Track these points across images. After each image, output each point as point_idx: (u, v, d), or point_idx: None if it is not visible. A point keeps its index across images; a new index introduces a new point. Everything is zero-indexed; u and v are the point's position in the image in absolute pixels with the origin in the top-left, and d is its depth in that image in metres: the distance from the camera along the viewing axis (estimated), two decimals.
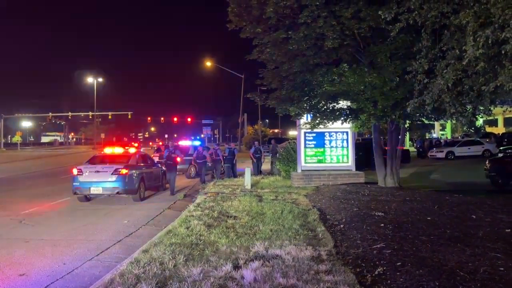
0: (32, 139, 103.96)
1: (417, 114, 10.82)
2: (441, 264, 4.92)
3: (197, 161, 17.92)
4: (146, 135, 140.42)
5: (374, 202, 9.38)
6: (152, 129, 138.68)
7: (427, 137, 42.72)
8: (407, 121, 11.96)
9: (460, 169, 20.68)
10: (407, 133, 29.77)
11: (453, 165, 22.91)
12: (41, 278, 5.51)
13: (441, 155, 27.84)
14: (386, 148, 13.06)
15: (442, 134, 50.48)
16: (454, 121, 12.99)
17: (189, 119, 72.09)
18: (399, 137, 12.86)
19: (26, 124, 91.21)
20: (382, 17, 7.91)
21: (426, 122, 14.36)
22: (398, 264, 4.96)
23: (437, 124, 47.03)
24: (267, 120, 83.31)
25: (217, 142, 67.56)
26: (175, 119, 71.31)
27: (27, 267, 6.00)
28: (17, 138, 70.79)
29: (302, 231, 6.90)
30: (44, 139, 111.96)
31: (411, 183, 14.01)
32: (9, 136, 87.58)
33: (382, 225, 7.02)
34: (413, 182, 14.30)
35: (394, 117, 10.70)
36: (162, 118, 74.71)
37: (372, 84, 10.32)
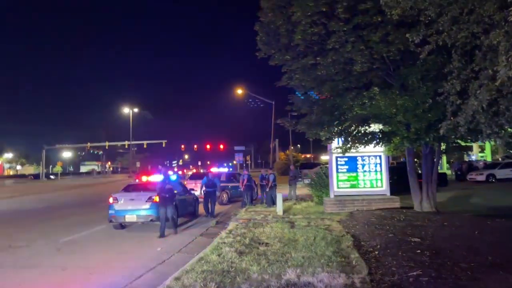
0: (72, 169, 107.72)
1: (452, 136, 10.52)
2: None
3: (247, 184, 17.60)
4: (180, 163, 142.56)
5: (410, 227, 9.10)
6: (186, 156, 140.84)
7: (465, 160, 41.26)
8: (442, 143, 11.65)
9: (502, 192, 19.76)
10: (444, 155, 28.91)
11: (494, 189, 21.94)
12: None
13: (481, 178, 26.76)
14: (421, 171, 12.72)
15: (482, 156, 48.59)
16: (493, 143, 12.56)
17: (221, 146, 72.84)
18: (435, 160, 12.51)
19: (66, 154, 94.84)
20: (411, 39, 7.86)
21: (463, 144, 13.93)
22: None
23: (475, 146, 45.42)
24: (298, 145, 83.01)
25: (249, 169, 67.66)
26: (208, 146, 72.22)
27: None
28: (58, 168, 73.54)
29: (335, 258, 6.76)
30: (83, 169, 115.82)
31: (449, 207, 13.50)
32: (50, 166, 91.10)
33: (419, 251, 6.78)
34: (451, 207, 13.76)
35: (428, 139, 10.46)
36: (195, 146, 75.84)
37: (404, 107, 10.17)
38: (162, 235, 10.89)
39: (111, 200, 12.16)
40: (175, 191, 12.25)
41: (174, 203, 11.75)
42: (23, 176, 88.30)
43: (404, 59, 10.50)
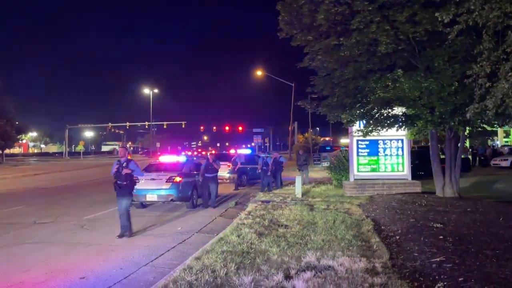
0: (94, 148, 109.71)
1: (478, 120, 10.23)
2: (507, 280, 4.58)
3: (263, 168, 16.55)
4: (199, 144, 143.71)
5: (432, 212, 8.95)
6: (205, 138, 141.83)
7: (489, 145, 40.29)
8: (467, 128, 11.35)
9: None
10: (467, 140, 28.27)
11: None
12: (100, 282, 5.73)
13: (506, 163, 26.09)
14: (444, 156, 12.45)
15: (506, 141, 47.35)
16: None
17: (240, 128, 72.87)
18: (459, 144, 12.22)
19: (88, 134, 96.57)
20: (440, 19, 7.58)
21: (489, 128, 13.55)
22: (460, 279, 4.67)
23: (500, 131, 44.25)
24: (317, 128, 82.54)
25: (268, 151, 67.69)
26: (227, 128, 72.34)
27: (87, 271, 6.26)
28: (80, 147, 75.07)
29: (355, 242, 6.71)
30: (104, 148, 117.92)
31: (472, 193, 13.22)
32: (73, 145, 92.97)
33: (441, 237, 6.67)
34: (475, 192, 13.47)
35: (452, 123, 10.20)
36: (214, 127, 76.21)
37: (429, 90, 9.90)
38: (207, 206, 12.46)
39: None
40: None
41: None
42: (47, 154, 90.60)
43: (431, 40, 10.17)
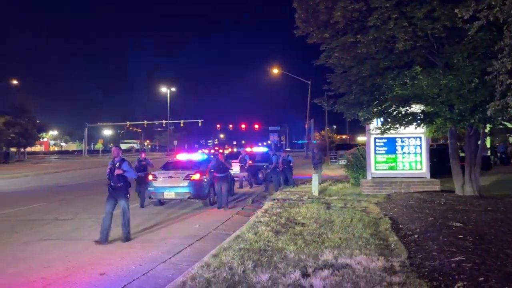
0: (112, 146, 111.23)
1: (499, 118, 10.03)
2: None
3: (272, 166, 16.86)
4: (216, 142, 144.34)
5: (452, 211, 8.83)
6: (221, 136, 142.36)
7: (510, 142, 39.41)
8: (488, 125, 11.14)
9: None
10: (488, 138, 27.69)
11: None
12: (119, 278, 5.83)
13: None
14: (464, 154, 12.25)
15: None
16: None
17: (256, 126, 72.98)
18: (479, 142, 12.00)
19: (107, 132, 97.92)
20: (459, 15, 7.45)
21: (510, 126, 13.26)
22: (480, 279, 4.60)
23: None
24: (334, 126, 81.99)
25: (284, 149, 67.60)
26: (243, 126, 72.55)
27: (107, 266, 6.38)
28: (99, 145, 76.21)
29: (373, 240, 6.66)
30: (123, 146, 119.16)
31: (492, 191, 12.96)
32: (92, 143, 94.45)
33: (461, 236, 6.57)
34: (495, 191, 13.20)
35: (473, 121, 10.02)
36: (230, 125, 76.52)
37: (448, 87, 9.75)
38: (220, 207, 12.00)
39: (150, 177, 12.50)
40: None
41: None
42: (67, 152, 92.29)
43: (450, 36, 10.01)
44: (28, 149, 58.91)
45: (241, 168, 18.75)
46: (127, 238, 8.15)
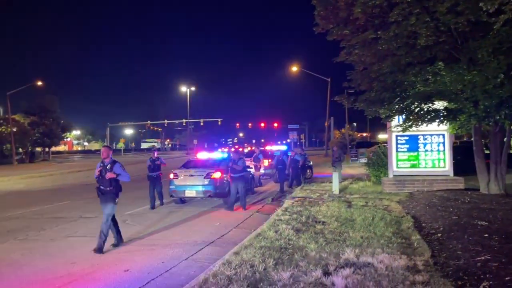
0: (133, 146, 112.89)
1: None
2: None
3: (278, 166, 16.63)
4: (235, 140, 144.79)
5: (476, 210, 8.64)
6: (241, 134, 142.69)
7: None
8: None
9: None
10: None
11: None
12: (143, 274, 5.92)
13: None
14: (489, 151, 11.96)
15: None
16: None
17: (275, 124, 72.89)
18: (505, 139, 11.70)
19: (128, 132, 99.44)
20: (484, 9, 7.29)
21: None
22: (506, 279, 4.50)
23: None
24: (354, 124, 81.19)
25: (302, 147, 67.31)
26: (262, 124, 72.52)
27: (130, 263, 6.49)
28: (121, 145, 77.46)
29: (395, 239, 6.59)
30: (144, 146, 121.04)
31: None
32: (114, 143, 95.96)
33: (486, 235, 6.44)
34: None
35: (498, 117, 9.77)
36: (249, 124, 76.55)
37: (472, 82, 9.53)
38: (230, 208, 11.54)
39: (171, 176, 12.65)
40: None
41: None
42: (89, 151, 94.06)
43: (474, 31, 9.78)
44: (53, 148, 60.39)
45: (255, 167, 18.73)
46: (100, 248, 7.23)
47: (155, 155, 12.92)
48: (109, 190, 7.42)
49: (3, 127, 42.57)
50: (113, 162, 7.49)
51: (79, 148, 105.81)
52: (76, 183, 21.34)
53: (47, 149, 56.33)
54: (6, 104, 45.25)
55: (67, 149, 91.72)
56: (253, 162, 18.54)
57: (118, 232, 7.80)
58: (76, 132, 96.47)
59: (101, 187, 7.46)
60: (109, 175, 7.33)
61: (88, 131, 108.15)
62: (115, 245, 7.64)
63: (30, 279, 5.91)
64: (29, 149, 49.86)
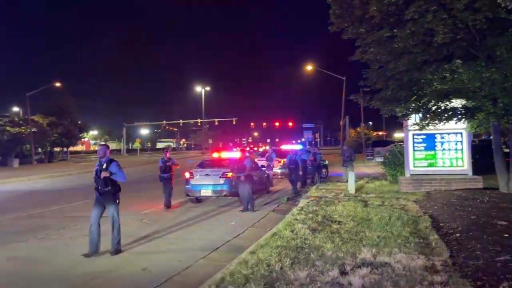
0: (149, 145, 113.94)
1: None
2: None
3: (290, 166, 15.97)
4: (250, 140, 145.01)
5: (496, 209, 8.50)
6: (255, 134, 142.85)
7: None
8: None
9: None
10: None
11: None
12: (161, 273, 6.00)
13: None
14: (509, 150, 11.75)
15: None
16: None
17: (290, 124, 72.73)
18: None
19: (144, 131, 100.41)
20: (502, 5, 7.17)
21: None
22: None
23: None
24: (370, 122, 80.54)
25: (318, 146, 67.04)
26: (277, 124, 72.46)
27: (148, 262, 6.58)
28: (137, 145, 78.35)
29: (412, 238, 6.53)
30: (159, 145, 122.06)
31: None
32: (130, 142, 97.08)
33: (506, 235, 6.34)
34: None
35: None
36: (264, 123, 76.53)
37: (491, 80, 9.38)
38: (245, 209, 11.29)
39: (187, 175, 12.77)
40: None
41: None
42: None
43: (492, 27, 9.64)
44: (70, 148, 61.37)
45: (268, 167, 18.72)
46: (116, 250, 7.14)
47: (167, 156, 12.75)
48: (108, 190, 7.16)
49: (22, 127, 43.44)
50: (110, 161, 7.23)
51: (96, 148, 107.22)
52: (92, 184, 21.65)
53: (65, 149, 57.32)
54: (25, 105, 46.23)
55: (84, 149, 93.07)
56: (266, 162, 18.57)
57: (99, 240, 7.23)
58: (93, 132, 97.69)
59: (99, 187, 7.19)
60: (103, 174, 7.09)
61: (105, 131, 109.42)
62: (87, 255, 6.99)
63: (51, 277, 6.04)
64: (48, 149, 50.83)
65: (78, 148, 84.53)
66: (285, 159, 19.56)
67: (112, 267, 6.40)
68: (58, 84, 47.92)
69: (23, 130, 43.18)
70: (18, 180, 24.96)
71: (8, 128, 41.49)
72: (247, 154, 12.84)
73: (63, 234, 8.95)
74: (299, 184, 16.23)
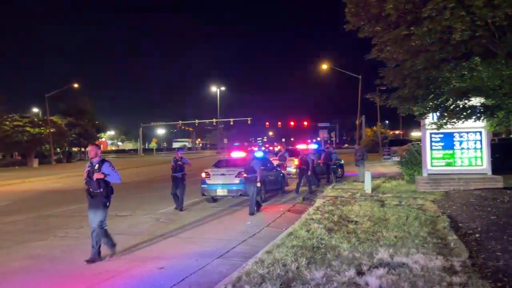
0: (165, 145, 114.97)
1: None
2: None
3: (301, 166, 15.95)
4: (265, 139, 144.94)
5: None
6: (270, 133, 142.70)
7: None
8: None
9: None
10: None
11: None
12: (177, 272, 6.04)
13: None
14: None
15: None
16: None
17: (305, 123, 72.43)
18: None
19: (160, 131, 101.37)
20: None
21: None
22: None
23: None
24: (386, 121, 79.73)
25: (333, 145, 66.63)
26: (292, 123, 72.22)
27: (165, 261, 6.64)
28: (153, 145, 79.13)
29: (430, 239, 6.45)
30: (175, 145, 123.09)
31: None
32: (146, 142, 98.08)
33: None
34: None
35: None
36: (279, 123, 76.39)
37: (511, 77, 9.20)
38: (251, 213, 10.89)
39: (203, 175, 12.83)
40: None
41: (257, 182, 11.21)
42: (123, 151, 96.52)
43: None
44: (88, 148, 62.29)
45: (281, 166, 18.61)
46: (93, 259, 6.64)
47: (179, 155, 12.50)
48: (99, 192, 6.71)
49: (42, 128, 44.26)
50: (102, 162, 6.85)
51: (113, 148, 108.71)
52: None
53: (83, 149, 58.19)
54: (44, 106, 47.11)
55: (101, 149, 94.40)
56: (279, 161, 18.50)
57: (110, 239, 6.97)
58: (110, 132, 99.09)
59: (90, 189, 6.76)
60: (96, 175, 6.67)
61: (122, 131, 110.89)
62: (89, 261, 6.67)
63: (70, 275, 6.14)
64: (66, 149, 51.70)
65: None
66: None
67: (130, 265, 6.48)
68: (76, 85, 48.69)
69: (42, 131, 44.01)
70: (38, 179, 25.47)
71: (28, 128, 42.31)
72: (255, 154, 12.87)
73: (82, 232, 9.08)
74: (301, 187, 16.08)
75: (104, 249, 6.99)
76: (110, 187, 6.93)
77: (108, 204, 6.88)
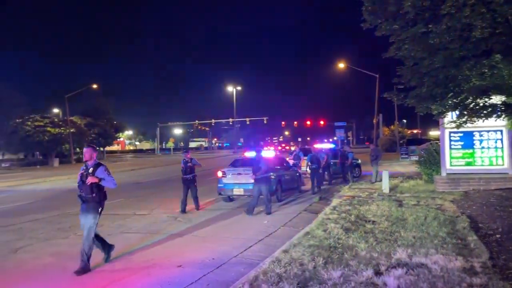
0: (182, 145, 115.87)
1: None
2: None
3: (312, 166, 15.40)
4: (281, 139, 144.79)
5: None
6: (286, 133, 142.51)
7: None
8: None
9: None
10: None
11: None
12: (195, 270, 6.10)
13: None
14: None
15: None
16: None
17: (321, 122, 72.09)
18: None
19: (177, 131, 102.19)
20: None
21: None
22: None
23: None
24: (404, 120, 78.72)
25: (350, 145, 66.17)
26: (308, 122, 71.97)
27: (183, 259, 6.71)
28: (170, 144, 79.92)
29: (449, 239, 6.37)
30: (192, 145, 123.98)
31: None
32: (163, 142, 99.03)
33: None
34: None
35: None
36: (295, 122, 76.27)
37: None
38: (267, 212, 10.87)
39: (219, 174, 12.90)
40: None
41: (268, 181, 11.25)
42: (141, 151, 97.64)
43: None
44: (106, 148, 63.22)
45: (295, 166, 18.50)
46: (84, 269, 6.15)
47: (188, 156, 12.20)
48: (92, 197, 6.38)
49: (62, 128, 45.11)
50: (97, 165, 6.56)
51: (131, 148, 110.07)
52: (130, 181, 22.23)
53: (101, 149, 59.05)
54: (64, 107, 47.98)
55: (120, 149, 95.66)
56: (293, 160, 18.45)
57: (104, 244, 6.72)
58: (128, 132, 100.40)
59: (82, 194, 6.44)
60: (90, 179, 6.33)
61: (140, 131, 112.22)
62: (107, 260, 6.66)
63: (89, 273, 6.25)
64: None
65: (114, 147, 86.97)
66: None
67: (148, 264, 6.56)
68: (95, 86, 49.48)
69: (62, 131, 44.86)
70: (59, 178, 25.99)
71: (48, 128, 43.19)
72: (266, 154, 12.97)
73: (101, 231, 9.16)
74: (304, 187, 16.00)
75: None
76: (104, 192, 6.58)
77: (100, 210, 6.50)
